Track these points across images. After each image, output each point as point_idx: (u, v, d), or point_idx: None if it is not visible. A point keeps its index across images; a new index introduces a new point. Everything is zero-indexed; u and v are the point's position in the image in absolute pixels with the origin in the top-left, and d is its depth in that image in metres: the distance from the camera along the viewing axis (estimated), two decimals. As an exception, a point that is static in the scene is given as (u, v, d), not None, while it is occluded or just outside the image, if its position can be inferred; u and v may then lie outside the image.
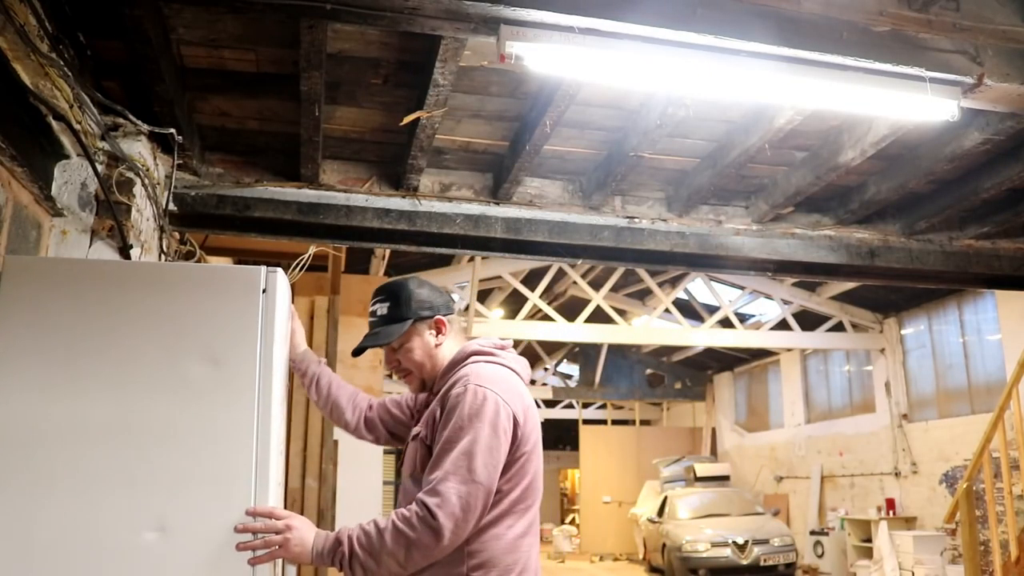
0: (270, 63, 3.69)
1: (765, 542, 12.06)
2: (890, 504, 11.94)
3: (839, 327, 12.67)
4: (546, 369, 19.91)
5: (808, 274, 5.74)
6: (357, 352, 2.48)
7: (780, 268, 5.47)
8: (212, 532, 2.26)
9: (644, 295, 14.21)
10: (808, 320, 12.69)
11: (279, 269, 2.58)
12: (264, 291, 2.49)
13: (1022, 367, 6.54)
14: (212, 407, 2.36)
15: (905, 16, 3.20)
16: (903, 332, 12.44)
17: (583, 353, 19.09)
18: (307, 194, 4.56)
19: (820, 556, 12.73)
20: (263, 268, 2.54)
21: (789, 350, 14.87)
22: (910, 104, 3.39)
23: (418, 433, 2.34)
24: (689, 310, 13.19)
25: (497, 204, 4.85)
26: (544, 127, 3.99)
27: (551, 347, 18.52)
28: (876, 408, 12.77)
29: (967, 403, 11.04)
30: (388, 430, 2.79)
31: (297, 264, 5.45)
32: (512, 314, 12.67)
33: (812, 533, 13.20)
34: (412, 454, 2.33)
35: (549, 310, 11.80)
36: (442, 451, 2.17)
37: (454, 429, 2.18)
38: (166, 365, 2.38)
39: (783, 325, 12.52)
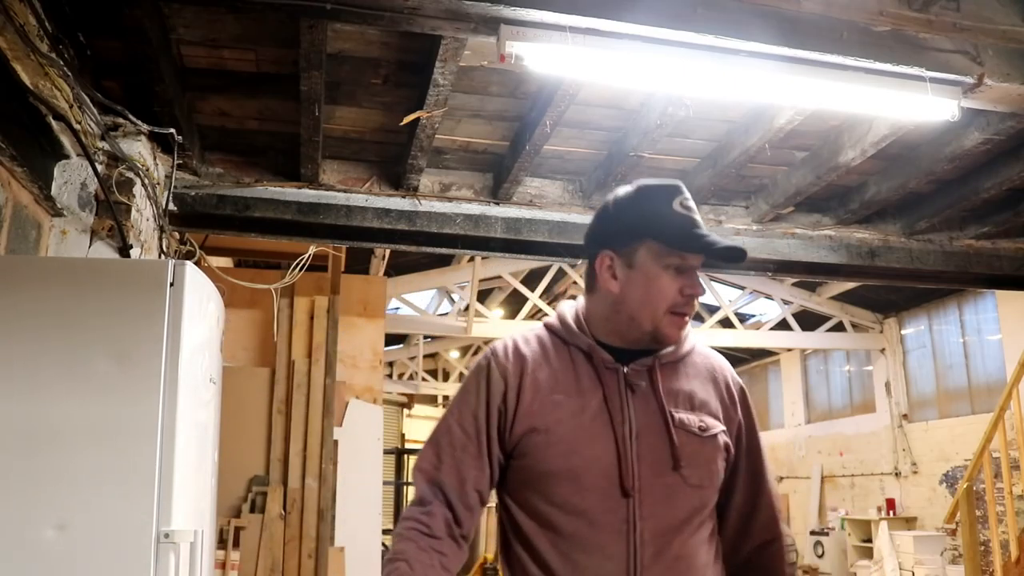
0: (270, 63, 3.69)
1: (765, 542, 12.03)
2: (890, 504, 11.94)
3: (839, 327, 12.66)
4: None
5: (808, 274, 5.74)
6: (727, 254, 1.65)
7: (780, 268, 5.47)
8: (114, 529, 2.24)
9: (644, 295, 14.20)
10: (808, 320, 12.68)
11: (188, 262, 2.54)
12: (171, 284, 2.47)
13: (1022, 367, 6.53)
14: (116, 403, 2.33)
15: (905, 16, 3.20)
16: (903, 332, 12.44)
17: (583, 353, 19.08)
18: (307, 194, 4.56)
19: (820, 556, 12.72)
20: (171, 261, 2.52)
21: (789, 350, 14.85)
22: (911, 104, 3.39)
23: (707, 428, 1.69)
24: (689, 310, 13.17)
25: (497, 204, 4.85)
26: (544, 127, 3.99)
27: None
28: (876, 408, 12.76)
29: (967, 403, 11.03)
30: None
31: (297, 264, 5.45)
32: (512, 314, 12.67)
33: (812, 533, 13.19)
34: (709, 453, 1.69)
35: (549, 310, 11.80)
36: (765, 464, 1.83)
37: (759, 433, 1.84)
38: (70, 361, 2.35)
39: (783, 325, 12.51)
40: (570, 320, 1.77)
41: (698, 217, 1.68)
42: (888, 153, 4.52)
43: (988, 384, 10.61)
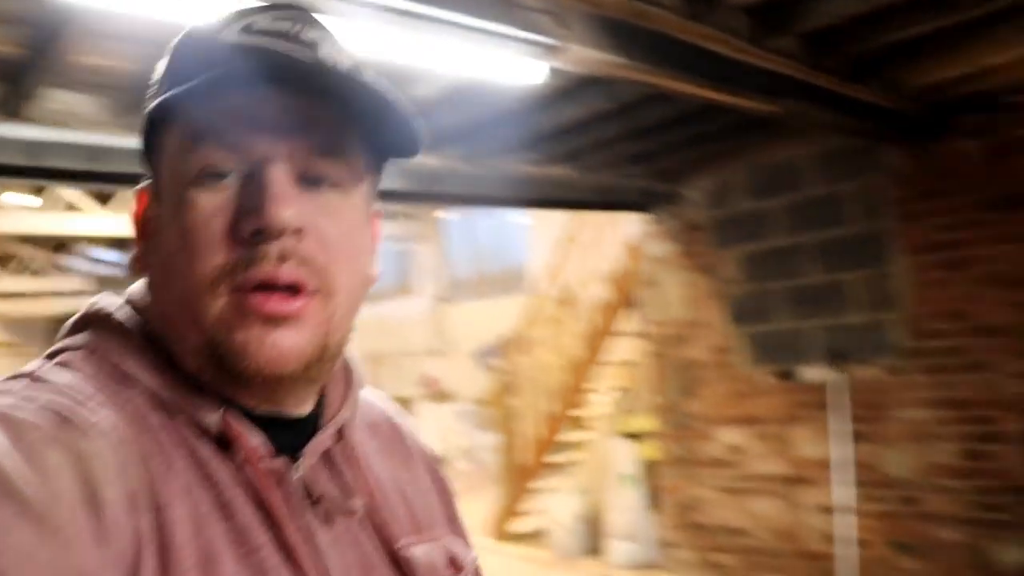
0: None
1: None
2: (430, 382, 12.75)
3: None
4: None
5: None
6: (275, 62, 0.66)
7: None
8: None
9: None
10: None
11: None
12: None
13: (547, 262, 7.15)
14: None
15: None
16: (444, 219, 13.06)
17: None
18: None
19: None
20: None
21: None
22: (498, 62, 3.28)
23: (458, 561, 0.83)
24: None
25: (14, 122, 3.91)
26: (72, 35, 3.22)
27: None
28: (416, 292, 13.38)
29: (501, 287, 11.99)
30: None
31: None
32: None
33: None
34: None
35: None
36: None
37: None
38: None
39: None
40: (143, 354, 0.69)
41: (287, 42, 0.69)
42: (458, 87, 4.44)
43: (519, 270, 11.61)
